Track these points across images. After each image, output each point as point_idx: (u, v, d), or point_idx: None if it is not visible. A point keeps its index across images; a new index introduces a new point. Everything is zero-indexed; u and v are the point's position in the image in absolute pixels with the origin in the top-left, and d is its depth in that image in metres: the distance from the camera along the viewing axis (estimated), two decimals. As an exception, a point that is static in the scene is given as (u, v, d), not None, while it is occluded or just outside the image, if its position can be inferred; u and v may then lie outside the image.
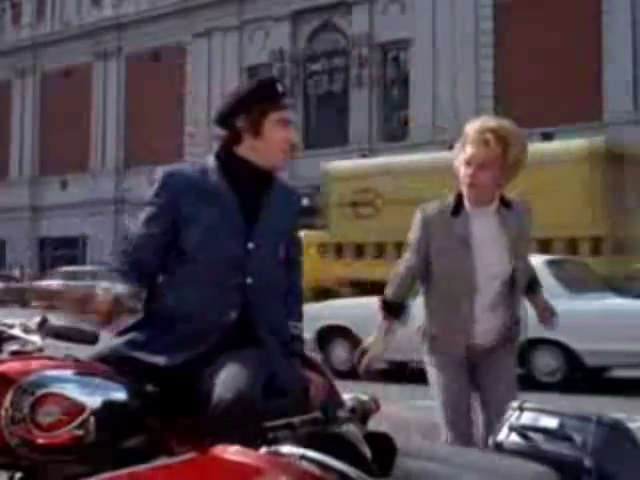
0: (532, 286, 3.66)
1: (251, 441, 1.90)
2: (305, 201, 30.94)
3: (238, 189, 2.72)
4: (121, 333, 2.69)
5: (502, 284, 3.42)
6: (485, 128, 3.31)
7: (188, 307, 2.61)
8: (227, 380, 2.38)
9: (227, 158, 2.78)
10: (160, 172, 2.77)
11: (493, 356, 3.46)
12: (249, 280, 2.65)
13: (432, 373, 3.49)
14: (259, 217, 2.72)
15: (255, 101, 2.73)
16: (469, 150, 3.31)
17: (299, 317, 2.94)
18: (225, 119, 2.80)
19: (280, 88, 2.78)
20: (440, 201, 3.49)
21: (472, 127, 3.35)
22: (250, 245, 2.67)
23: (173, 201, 2.68)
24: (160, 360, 2.53)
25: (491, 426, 3.19)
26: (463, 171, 3.34)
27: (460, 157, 3.36)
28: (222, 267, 2.64)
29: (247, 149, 2.76)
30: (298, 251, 3.03)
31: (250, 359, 2.49)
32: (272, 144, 2.74)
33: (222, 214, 2.68)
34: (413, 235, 3.47)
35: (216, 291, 2.62)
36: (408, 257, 3.49)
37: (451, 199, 3.43)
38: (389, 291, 3.53)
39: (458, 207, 3.40)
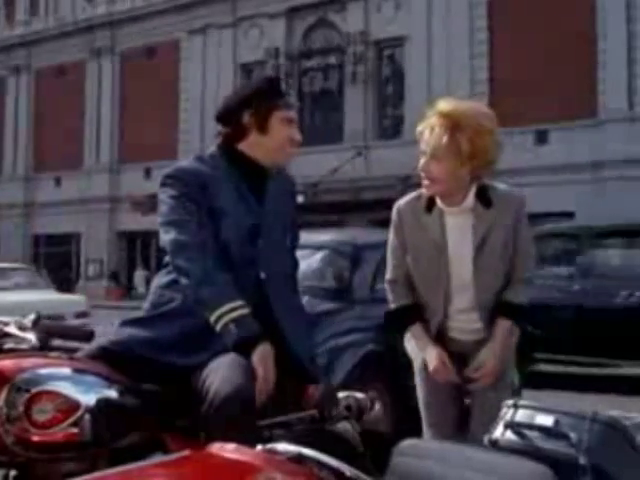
0: (501, 309, 3.08)
1: (247, 438, 1.90)
2: (300, 198, 30.92)
3: (247, 183, 2.73)
4: (119, 329, 2.68)
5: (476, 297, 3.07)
6: (434, 111, 2.90)
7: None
8: (224, 376, 2.38)
9: (231, 153, 2.78)
10: (177, 171, 2.71)
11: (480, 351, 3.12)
12: (262, 275, 2.66)
13: (415, 367, 3.27)
14: (265, 210, 2.73)
15: (263, 98, 2.75)
16: (423, 139, 2.94)
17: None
18: (230, 115, 2.79)
19: (283, 87, 2.86)
20: (415, 194, 3.13)
21: (429, 115, 2.94)
22: (261, 240, 2.69)
23: (201, 195, 2.65)
24: (176, 359, 2.51)
25: (478, 430, 3.11)
26: (419, 164, 2.99)
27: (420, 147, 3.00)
28: (239, 263, 2.64)
29: (251, 145, 2.76)
30: (297, 239, 3.02)
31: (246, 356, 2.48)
32: (277, 141, 2.75)
33: (243, 209, 2.68)
34: (391, 238, 3.18)
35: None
36: (392, 268, 3.20)
37: (425, 192, 3.07)
38: (396, 300, 3.20)
39: (431, 202, 3.04)
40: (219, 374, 2.39)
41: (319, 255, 6.27)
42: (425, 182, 2.99)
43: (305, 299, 5.79)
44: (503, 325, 3.09)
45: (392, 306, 3.22)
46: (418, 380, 3.28)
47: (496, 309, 3.09)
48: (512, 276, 3.09)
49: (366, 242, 6.35)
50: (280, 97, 2.81)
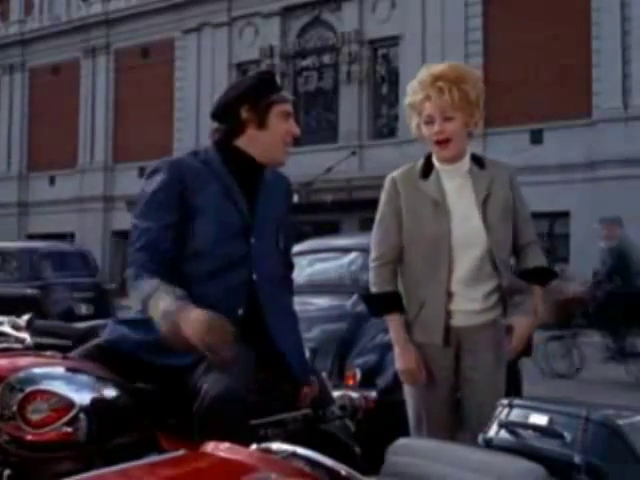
0: (529, 276, 3.15)
1: (238, 436, 1.90)
2: (295, 198, 30.69)
3: (239, 181, 2.70)
4: (113, 328, 2.68)
5: (481, 258, 3.05)
6: (433, 77, 3.02)
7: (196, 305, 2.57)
8: (215, 375, 2.37)
9: (227, 149, 2.75)
10: (163, 163, 2.73)
11: (477, 346, 3.09)
12: (254, 276, 2.63)
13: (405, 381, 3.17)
14: (257, 210, 2.70)
15: (260, 92, 2.72)
16: (427, 106, 3.02)
17: None
18: (227, 111, 2.76)
19: (279, 82, 2.82)
20: (408, 165, 3.22)
21: (419, 83, 3.06)
22: (252, 240, 2.66)
23: (181, 191, 2.63)
24: (170, 360, 2.50)
25: (469, 426, 3.09)
26: (428, 131, 3.05)
27: (415, 121, 3.10)
28: (228, 264, 2.61)
29: (248, 141, 2.73)
30: (292, 239, 2.99)
31: (243, 356, 2.48)
32: (276, 136, 2.73)
33: (229, 208, 2.65)
34: (382, 209, 3.16)
35: (223, 288, 2.59)
36: (376, 245, 3.14)
37: (420, 162, 3.16)
38: (380, 284, 3.13)
39: (427, 168, 3.12)
40: (210, 373, 2.39)
41: (356, 256, 6.53)
42: (440, 146, 3.05)
43: (354, 298, 5.95)
44: (537, 291, 3.15)
45: (374, 289, 3.15)
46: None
47: (525, 276, 3.14)
48: (520, 241, 3.17)
49: None
50: (277, 91, 2.77)
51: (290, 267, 2.97)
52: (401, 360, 3.08)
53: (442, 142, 3.04)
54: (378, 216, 3.19)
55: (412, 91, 3.09)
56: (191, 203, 2.62)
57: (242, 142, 2.74)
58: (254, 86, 2.75)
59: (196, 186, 2.63)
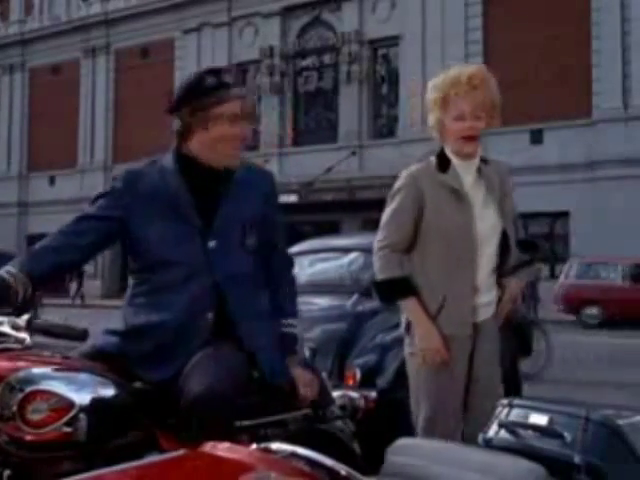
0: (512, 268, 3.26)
1: (221, 435, 1.91)
2: (293, 198, 30.70)
3: (194, 187, 2.62)
4: (101, 337, 2.69)
5: (496, 253, 3.18)
6: (468, 76, 3.13)
7: (164, 315, 2.55)
8: (198, 376, 2.38)
9: (181, 155, 2.69)
10: (124, 172, 2.72)
11: (489, 337, 3.20)
12: (218, 279, 2.58)
13: (416, 363, 3.17)
14: (218, 213, 2.62)
15: (199, 93, 2.60)
16: (459, 103, 3.12)
17: (292, 313, 2.83)
18: (175, 113, 2.69)
19: (228, 78, 2.62)
20: (422, 163, 3.27)
21: (450, 80, 3.14)
22: (211, 244, 2.59)
23: (129, 204, 2.62)
24: (152, 375, 2.51)
25: (475, 422, 3.10)
26: (456, 127, 3.14)
27: (436, 116, 3.18)
28: (187, 272, 2.58)
29: (197, 144, 2.65)
30: (277, 235, 2.86)
31: (226, 355, 2.48)
32: (217, 139, 2.61)
33: (177, 217, 2.60)
34: (400, 201, 3.19)
35: (189, 295, 2.56)
36: (389, 233, 3.18)
37: (433, 158, 3.22)
38: (388, 269, 3.15)
39: (444, 163, 3.19)
40: (193, 373, 2.40)
41: (356, 257, 6.54)
42: (467, 142, 3.16)
43: (354, 297, 5.97)
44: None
45: (385, 274, 3.16)
46: (418, 374, 3.19)
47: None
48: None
49: None
50: (220, 90, 2.59)
51: (280, 262, 2.86)
52: (426, 339, 3.10)
53: (469, 138, 3.14)
54: (394, 206, 3.19)
55: (441, 87, 3.16)
56: (139, 216, 2.60)
57: (193, 145, 2.66)
58: (189, 87, 2.64)
59: (148, 197, 2.61)
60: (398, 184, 3.21)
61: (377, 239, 3.21)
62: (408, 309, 3.17)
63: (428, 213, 3.13)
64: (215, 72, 2.65)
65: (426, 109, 3.26)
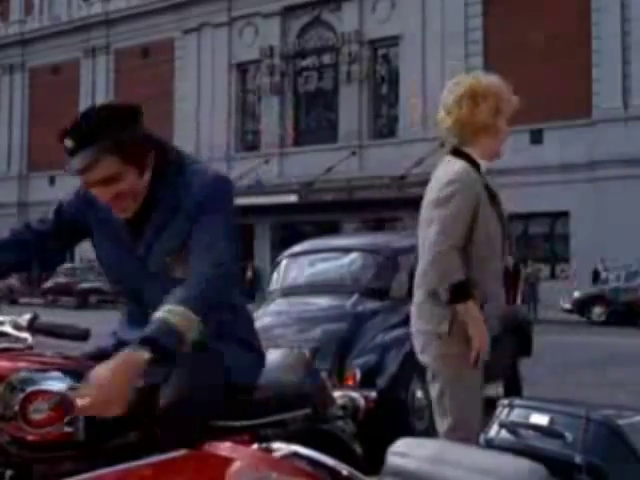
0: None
1: (194, 436, 1.94)
2: (293, 198, 30.66)
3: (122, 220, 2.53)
4: (114, 332, 2.69)
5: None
6: (496, 85, 3.35)
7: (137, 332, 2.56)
8: (173, 379, 2.40)
9: None
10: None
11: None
12: (150, 310, 2.39)
13: (461, 366, 3.17)
14: (148, 243, 2.51)
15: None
16: (510, 108, 3.33)
17: (177, 300, 2.30)
18: None
19: (68, 144, 2.33)
20: (462, 161, 3.27)
21: (504, 84, 3.35)
22: (143, 274, 2.53)
23: (86, 212, 2.59)
24: (146, 379, 2.49)
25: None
26: (505, 130, 3.32)
27: (488, 115, 3.26)
28: (129, 298, 2.62)
29: None
30: (204, 239, 2.46)
31: (200, 360, 2.47)
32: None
33: (119, 240, 2.55)
34: (460, 201, 3.17)
35: (135, 319, 2.58)
36: (453, 235, 3.16)
37: (462, 162, 3.24)
38: (456, 272, 3.16)
39: (476, 165, 3.26)
40: (170, 379, 2.40)
41: (356, 257, 6.62)
42: (502, 144, 3.34)
43: (354, 297, 5.98)
44: None
45: (458, 276, 3.15)
46: (461, 378, 3.20)
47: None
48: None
49: (401, 245, 6.65)
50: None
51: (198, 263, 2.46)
52: (482, 340, 3.16)
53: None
54: (455, 208, 3.17)
55: (497, 91, 3.29)
56: (97, 232, 2.61)
57: None
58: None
59: (103, 216, 2.56)
60: (457, 186, 3.18)
61: (438, 241, 3.16)
62: (468, 310, 3.16)
63: (479, 216, 3.19)
64: (62, 132, 2.38)
65: (447, 107, 3.26)
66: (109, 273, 2.64)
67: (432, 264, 3.18)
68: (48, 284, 31.15)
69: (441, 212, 3.17)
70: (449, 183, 3.18)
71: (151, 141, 2.44)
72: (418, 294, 3.34)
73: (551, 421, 2.10)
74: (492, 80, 3.31)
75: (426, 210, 3.27)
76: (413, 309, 3.38)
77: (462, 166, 3.22)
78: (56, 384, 2.36)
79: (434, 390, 3.27)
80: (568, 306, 21.93)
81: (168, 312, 2.17)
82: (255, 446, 1.61)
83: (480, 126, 3.22)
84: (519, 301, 12.94)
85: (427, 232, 3.21)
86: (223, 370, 2.53)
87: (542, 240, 26.66)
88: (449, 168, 3.25)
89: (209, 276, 2.30)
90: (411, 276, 6.04)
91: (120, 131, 2.30)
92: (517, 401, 2.21)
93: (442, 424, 3.21)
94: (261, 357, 2.69)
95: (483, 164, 3.29)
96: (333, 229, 26.06)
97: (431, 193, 3.26)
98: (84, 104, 38.63)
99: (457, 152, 3.27)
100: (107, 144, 2.28)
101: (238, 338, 2.62)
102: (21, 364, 2.42)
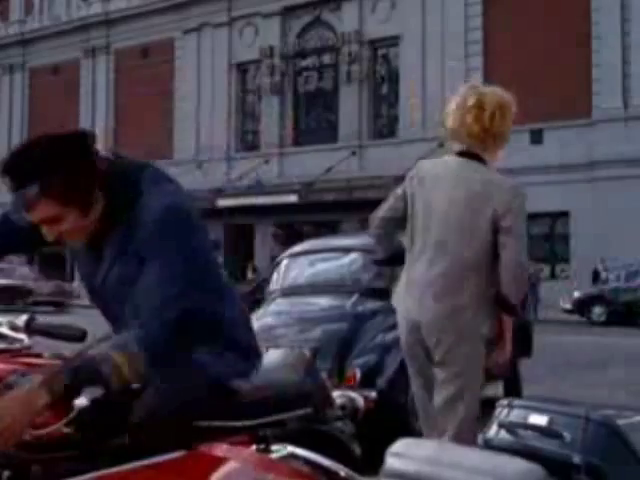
0: None
1: (174, 438, 1.95)
2: (294, 198, 30.65)
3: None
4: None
5: None
6: (496, 98, 3.61)
7: None
8: (158, 386, 2.40)
9: None
10: None
11: None
12: (116, 333, 2.42)
13: (481, 350, 3.32)
14: (104, 268, 2.46)
15: None
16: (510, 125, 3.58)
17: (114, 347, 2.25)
18: None
19: (6, 182, 2.23)
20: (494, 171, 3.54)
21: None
22: (105, 296, 2.51)
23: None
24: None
25: None
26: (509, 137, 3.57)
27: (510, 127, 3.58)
28: (107, 319, 2.60)
29: None
30: (149, 281, 2.34)
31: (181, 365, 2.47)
32: None
33: (84, 260, 2.53)
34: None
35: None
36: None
37: (478, 163, 3.46)
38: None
39: None
40: (150, 383, 2.40)
41: (356, 257, 6.58)
42: None
43: (354, 298, 5.98)
44: None
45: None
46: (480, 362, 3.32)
47: None
48: None
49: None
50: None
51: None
52: (509, 352, 3.33)
53: None
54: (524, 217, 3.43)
55: (510, 101, 3.59)
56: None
57: None
58: None
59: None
60: (524, 199, 3.39)
61: (525, 260, 3.33)
62: (511, 320, 3.41)
63: None
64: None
65: (463, 111, 3.49)
66: (84, 284, 2.59)
67: (517, 281, 3.32)
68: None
69: (522, 226, 3.34)
70: (518, 193, 3.35)
71: (102, 173, 2.25)
72: (469, 289, 3.36)
73: (550, 421, 2.10)
74: (506, 94, 3.62)
75: (474, 201, 3.35)
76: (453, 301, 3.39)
77: (495, 172, 3.48)
78: (54, 385, 2.35)
79: (449, 389, 3.23)
80: (568, 306, 21.98)
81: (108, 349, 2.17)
82: (253, 447, 1.60)
83: (505, 137, 3.52)
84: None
85: (482, 226, 3.31)
86: (204, 370, 2.50)
87: (542, 240, 26.68)
88: (493, 175, 3.42)
89: (148, 326, 2.22)
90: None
91: (62, 167, 2.15)
92: (516, 401, 2.21)
93: (445, 424, 3.18)
94: (256, 357, 2.65)
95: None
96: (333, 229, 26.07)
97: (474, 185, 3.35)
98: (84, 104, 38.69)
99: (469, 155, 3.45)
100: (46, 185, 2.13)
101: (228, 339, 2.59)
102: (18, 365, 2.42)
